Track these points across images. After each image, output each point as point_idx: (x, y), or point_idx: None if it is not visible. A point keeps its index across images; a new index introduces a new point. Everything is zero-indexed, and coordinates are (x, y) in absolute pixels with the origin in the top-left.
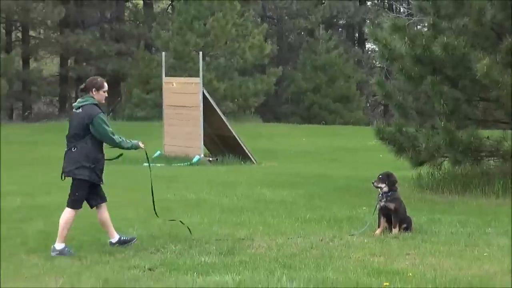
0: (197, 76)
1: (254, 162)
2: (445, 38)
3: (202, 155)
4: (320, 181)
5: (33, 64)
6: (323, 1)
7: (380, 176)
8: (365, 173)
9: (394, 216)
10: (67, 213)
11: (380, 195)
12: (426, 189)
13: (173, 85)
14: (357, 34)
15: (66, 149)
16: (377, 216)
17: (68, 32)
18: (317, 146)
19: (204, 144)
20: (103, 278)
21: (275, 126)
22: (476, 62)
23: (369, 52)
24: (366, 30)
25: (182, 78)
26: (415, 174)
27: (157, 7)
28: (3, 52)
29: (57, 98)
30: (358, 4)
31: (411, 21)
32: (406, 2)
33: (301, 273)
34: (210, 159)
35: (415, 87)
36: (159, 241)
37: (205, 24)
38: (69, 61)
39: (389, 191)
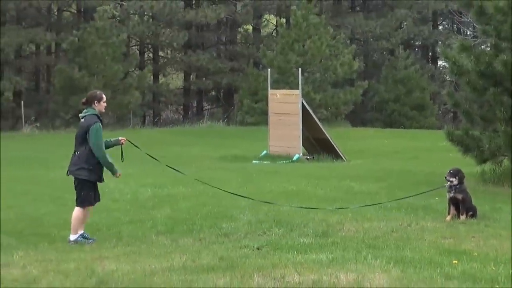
0: (297, 88)
1: (344, 160)
2: (505, 56)
3: (301, 154)
4: (400, 176)
5: (161, 79)
6: (402, 26)
7: (451, 171)
8: (437, 169)
9: (461, 205)
10: (77, 212)
11: (450, 187)
12: (489, 183)
13: (277, 96)
14: (430, 53)
15: (73, 153)
16: (447, 205)
17: (191, 53)
18: (397, 147)
19: (302, 145)
20: (219, 255)
21: (362, 130)
22: None
23: (441, 68)
24: (438, 49)
25: (284, 90)
26: (480, 170)
27: (264, 32)
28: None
29: (181, 107)
30: (431, 28)
31: (476, 42)
32: (472, 26)
33: (384, 252)
34: (308, 157)
35: (479, 97)
36: (265, 225)
37: (303, 46)
38: (191, 76)
39: (458, 184)
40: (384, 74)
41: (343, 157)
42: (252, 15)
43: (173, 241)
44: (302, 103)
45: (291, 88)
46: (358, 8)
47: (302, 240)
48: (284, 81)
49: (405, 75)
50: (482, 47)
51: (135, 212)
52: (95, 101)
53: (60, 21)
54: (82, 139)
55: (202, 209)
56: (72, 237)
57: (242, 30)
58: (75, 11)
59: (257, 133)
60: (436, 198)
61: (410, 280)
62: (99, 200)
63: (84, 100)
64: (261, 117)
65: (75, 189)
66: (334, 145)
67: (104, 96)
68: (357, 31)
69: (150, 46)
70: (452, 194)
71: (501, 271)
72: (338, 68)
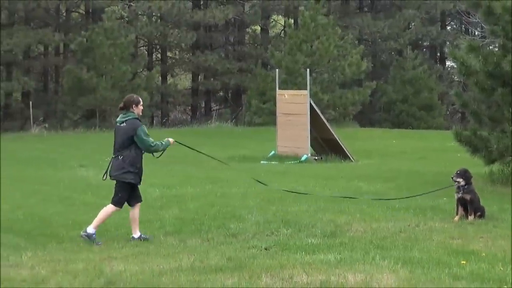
0: (305, 89)
1: (352, 160)
2: None
3: (309, 154)
4: (408, 176)
5: (170, 80)
6: (410, 26)
7: (458, 172)
8: (446, 169)
9: (470, 206)
10: (110, 209)
11: (458, 188)
12: (497, 183)
13: (285, 96)
14: (438, 54)
15: (113, 156)
16: (455, 205)
17: (199, 53)
18: (406, 147)
19: (310, 145)
20: (227, 256)
21: (370, 131)
22: None
23: (449, 69)
24: (446, 50)
25: (292, 91)
26: (488, 170)
27: (272, 32)
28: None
29: (189, 107)
30: (439, 28)
31: (484, 42)
32: (480, 26)
33: (392, 253)
34: (316, 157)
35: (487, 98)
36: (273, 225)
37: (311, 46)
38: (199, 77)
39: (465, 184)
40: (392, 75)
41: (351, 158)
42: (260, 15)
43: (181, 241)
44: (310, 103)
45: (299, 88)
46: (366, 9)
47: (310, 241)
48: (292, 82)
49: (413, 75)
50: (490, 47)
51: (143, 212)
52: (133, 105)
53: (69, 21)
54: (128, 143)
55: (210, 209)
56: (90, 229)
57: (250, 31)
58: (84, 12)
59: (265, 133)
60: (444, 199)
61: (418, 281)
62: (141, 200)
63: (121, 105)
64: (269, 117)
65: (115, 190)
66: (342, 146)
67: (140, 99)
68: (365, 32)
69: (158, 47)
70: (460, 195)
71: (509, 271)
72: (346, 68)
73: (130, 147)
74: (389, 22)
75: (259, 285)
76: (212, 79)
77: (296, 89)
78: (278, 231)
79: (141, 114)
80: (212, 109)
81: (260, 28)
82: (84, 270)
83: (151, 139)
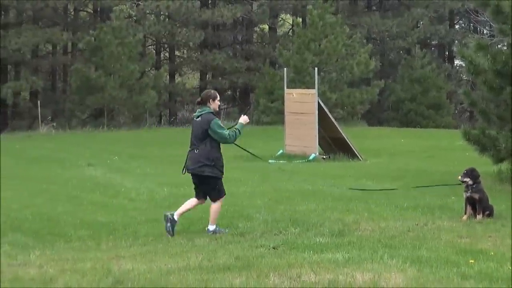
0: (313, 88)
1: (361, 159)
2: None
3: (317, 153)
4: (416, 175)
5: (178, 79)
6: (419, 25)
7: (465, 171)
8: (454, 168)
9: (478, 205)
10: (218, 203)
11: (466, 187)
12: (506, 182)
13: (293, 95)
14: (447, 52)
15: (189, 150)
16: (464, 204)
17: (207, 52)
18: (414, 146)
19: (318, 144)
20: (235, 255)
21: (378, 129)
22: None
23: (457, 67)
24: (455, 49)
25: (301, 90)
26: (496, 169)
27: (280, 31)
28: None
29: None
30: (448, 27)
31: (493, 41)
32: (489, 25)
33: (400, 252)
34: (324, 156)
35: (496, 96)
36: (281, 224)
37: (319, 45)
38: (207, 75)
39: (473, 183)
40: (400, 74)
41: (359, 157)
42: (268, 14)
43: (189, 240)
44: (318, 102)
45: (307, 87)
46: (374, 8)
47: (318, 240)
48: (300, 81)
49: (421, 74)
50: (499, 46)
51: (151, 212)
52: (210, 100)
53: (77, 21)
54: (203, 136)
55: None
56: (212, 227)
57: (258, 30)
58: (92, 11)
59: (273, 132)
60: (453, 198)
61: (426, 280)
62: (224, 194)
63: (199, 99)
64: (277, 116)
65: (198, 184)
66: (350, 145)
67: (217, 95)
68: (374, 31)
69: (166, 46)
70: (468, 194)
71: None
72: (354, 67)
73: (205, 141)
74: (398, 21)
75: (267, 284)
76: (220, 78)
77: (304, 88)
78: (286, 230)
79: (217, 109)
80: (220, 108)
81: (268, 27)
82: (92, 269)
83: (225, 131)
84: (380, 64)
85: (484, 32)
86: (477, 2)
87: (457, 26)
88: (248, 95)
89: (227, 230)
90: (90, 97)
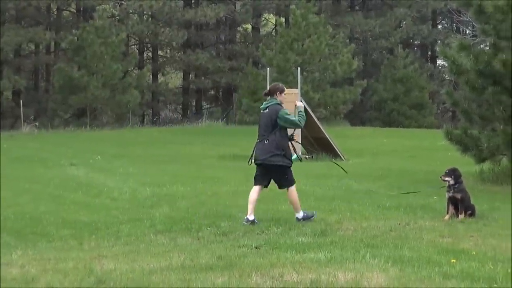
0: (296, 87)
1: (343, 159)
2: (504, 55)
3: (300, 153)
4: (399, 175)
5: (161, 78)
6: (401, 25)
7: (447, 171)
8: (436, 168)
9: (460, 204)
10: (293, 192)
11: (449, 186)
12: (488, 182)
13: None
14: (429, 52)
15: (257, 141)
16: (446, 204)
17: (190, 52)
18: (396, 146)
19: (301, 144)
20: (218, 254)
21: (360, 129)
22: None
23: (440, 67)
24: (438, 49)
25: None
26: (478, 169)
27: (263, 31)
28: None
29: (180, 106)
30: (430, 27)
31: (476, 41)
32: (471, 25)
33: (382, 251)
34: (307, 156)
35: (478, 96)
36: (264, 224)
37: (302, 45)
38: (190, 75)
39: (455, 183)
40: (383, 73)
41: (342, 156)
42: (252, 14)
43: (171, 240)
44: (301, 102)
45: (290, 87)
46: (357, 7)
47: (300, 239)
48: (283, 80)
49: (404, 74)
50: (481, 46)
51: (133, 211)
52: (278, 92)
53: (60, 20)
54: (272, 127)
55: (201, 208)
56: (299, 215)
57: (241, 29)
58: (75, 11)
59: (256, 132)
60: (435, 197)
61: (408, 279)
62: (294, 182)
63: (266, 91)
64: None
65: (266, 175)
66: (333, 144)
67: (285, 88)
68: (356, 30)
69: (149, 45)
70: (451, 194)
71: (499, 270)
72: (337, 67)
73: (275, 131)
74: (380, 20)
75: (249, 284)
76: (203, 77)
77: (287, 88)
78: (269, 230)
79: (283, 103)
80: (203, 108)
81: (251, 26)
82: (74, 269)
83: (295, 118)
84: (363, 64)
85: (467, 32)
86: (460, 2)
87: (439, 26)
88: (231, 95)
89: (315, 213)
90: (72, 96)
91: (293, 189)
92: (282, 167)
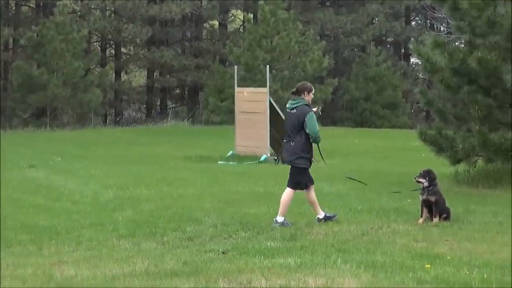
0: (265, 86)
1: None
2: (480, 53)
3: (269, 154)
4: (371, 176)
5: (124, 77)
6: (374, 22)
7: (422, 172)
8: (410, 169)
9: (434, 207)
10: (290, 192)
11: (423, 189)
12: (463, 184)
13: (244, 94)
14: (403, 50)
15: (284, 141)
16: (420, 207)
17: (154, 49)
18: (369, 147)
19: (270, 145)
20: (183, 260)
21: (332, 129)
22: (507, 73)
23: (413, 65)
24: (411, 46)
25: (252, 88)
26: (453, 171)
27: (231, 28)
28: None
29: (144, 106)
30: (404, 24)
31: (450, 38)
32: (446, 22)
33: (354, 256)
34: (276, 158)
35: (453, 95)
36: (231, 228)
37: (271, 42)
38: (154, 73)
39: (430, 185)
40: (354, 72)
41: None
42: (218, 10)
43: (135, 245)
44: (270, 101)
45: (258, 85)
46: (328, 3)
47: (269, 244)
48: (252, 79)
49: (376, 72)
50: (456, 43)
51: (95, 215)
52: (306, 92)
53: (18, 16)
54: (299, 128)
55: (166, 211)
56: (280, 219)
57: (207, 26)
58: (34, 6)
59: (223, 132)
60: (408, 200)
61: (381, 285)
62: (313, 183)
63: (294, 90)
64: (227, 116)
65: (291, 174)
66: None
67: (313, 88)
68: (327, 27)
69: (112, 42)
70: (425, 196)
71: (475, 275)
72: (307, 65)
73: (301, 133)
74: (352, 17)
75: None
76: (168, 76)
77: (255, 87)
78: (236, 234)
79: (310, 102)
80: (168, 107)
81: (218, 23)
82: (33, 275)
83: (317, 129)
84: (334, 61)
85: (441, 29)
86: None
87: (413, 23)
88: (197, 94)
89: (291, 225)
90: (32, 95)
91: (312, 187)
92: (303, 169)
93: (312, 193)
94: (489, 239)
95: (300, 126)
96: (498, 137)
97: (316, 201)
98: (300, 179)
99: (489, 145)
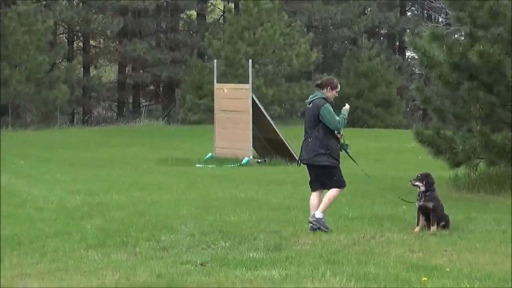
0: (247, 82)
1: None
2: (481, 46)
3: (251, 157)
4: (363, 181)
5: (93, 72)
6: (366, 12)
7: (419, 175)
8: (405, 173)
9: (432, 215)
10: (335, 192)
11: (419, 194)
12: (463, 189)
13: (224, 91)
14: (397, 43)
15: (303, 139)
16: (416, 214)
17: (126, 42)
18: (360, 148)
19: (253, 146)
20: (157, 272)
21: None
22: (510, 68)
23: (409, 60)
24: (406, 39)
25: (233, 84)
26: (452, 175)
27: (210, 18)
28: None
29: (115, 103)
30: (398, 14)
31: (449, 30)
32: (444, 12)
33: (344, 268)
34: (259, 160)
35: (452, 92)
36: (210, 237)
37: (254, 34)
38: (126, 68)
39: (427, 190)
40: (345, 66)
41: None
42: None
43: (104, 256)
44: (253, 99)
45: (240, 82)
46: None
47: (251, 255)
48: (233, 74)
49: (369, 67)
50: (456, 36)
51: (61, 223)
52: (329, 87)
53: None
54: (315, 122)
55: (139, 219)
56: (318, 214)
57: (185, 16)
58: None
59: (201, 133)
60: (404, 207)
61: None
62: (345, 185)
63: (318, 82)
64: (206, 114)
65: (315, 175)
66: (289, 147)
67: (339, 86)
68: (315, 18)
69: (80, 34)
70: (421, 202)
71: None
72: (293, 59)
73: (318, 128)
74: (342, 7)
75: None
76: (141, 71)
77: (236, 83)
78: (216, 244)
79: (332, 100)
80: (141, 105)
81: (196, 13)
82: None
83: (336, 117)
84: (323, 55)
85: (439, 20)
86: None
87: (409, 13)
88: (173, 91)
89: (331, 229)
90: None
91: (336, 191)
92: (328, 168)
93: (336, 195)
94: (491, 249)
95: (316, 120)
96: (501, 137)
97: (327, 204)
98: (338, 178)
99: (491, 146)
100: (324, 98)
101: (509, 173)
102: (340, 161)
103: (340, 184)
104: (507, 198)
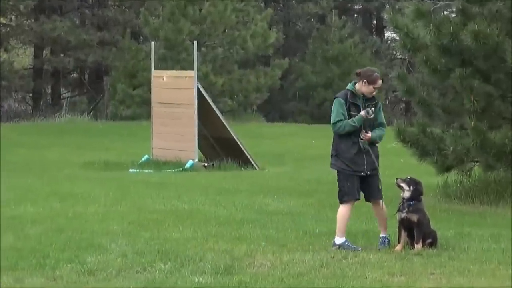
0: (191, 69)
1: (256, 167)
2: (476, 25)
3: (196, 160)
4: (333, 189)
5: (3, 56)
6: None
7: (408, 178)
8: (384, 179)
9: (416, 230)
10: (339, 209)
11: (402, 203)
12: (454, 199)
13: (163, 79)
14: (375, 21)
15: None
16: (397, 229)
17: (44, 19)
18: (329, 149)
19: (198, 147)
20: None
21: (280, 127)
22: (511, 52)
23: (389, 42)
24: (386, 16)
25: (174, 72)
26: (441, 181)
27: None
28: None
29: (30, 95)
30: None
31: (437, 5)
32: None
33: None
34: (206, 164)
35: (441, 81)
36: (146, 258)
37: (200, 10)
38: (44, 51)
39: (411, 199)
40: (311, 50)
41: (254, 164)
42: None
43: (17, 281)
44: (198, 89)
45: (183, 68)
46: None
47: (196, 279)
48: (174, 59)
49: (340, 50)
50: (445, 12)
51: None
52: (365, 80)
53: None
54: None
55: (59, 236)
56: (338, 240)
57: None
58: None
59: (135, 130)
60: None
61: None
62: (354, 197)
63: (358, 71)
64: (141, 108)
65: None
66: (242, 148)
67: (379, 82)
68: None
69: None
70: (404, 214)
71: None
72: (248, 40)
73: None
74: None
75: None
76: (62, 55)
77: (179, 69)
78: (153, 267)
79: (364, 94)
80: (62, 97)
81: None
82: None
83: (336, 118)
84: (284, 36)
85: None
86: None
87: None
88: (101, 79)
89: (360, 249)
90: None
91: (340, 207)
92: (337, 172)
93: (380, 209)
94: (488, 272)
95: None
96: (500, 136)
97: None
98: (340, 188)
99: (488, 146)
100: (351, 90)
101: (509, 179)
102: (351, 167)
103: (339, 196)
104: (506, 209)
